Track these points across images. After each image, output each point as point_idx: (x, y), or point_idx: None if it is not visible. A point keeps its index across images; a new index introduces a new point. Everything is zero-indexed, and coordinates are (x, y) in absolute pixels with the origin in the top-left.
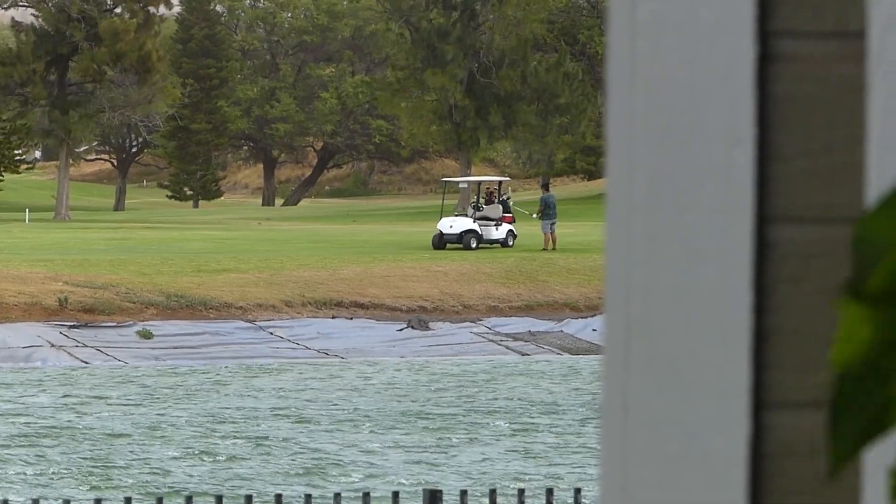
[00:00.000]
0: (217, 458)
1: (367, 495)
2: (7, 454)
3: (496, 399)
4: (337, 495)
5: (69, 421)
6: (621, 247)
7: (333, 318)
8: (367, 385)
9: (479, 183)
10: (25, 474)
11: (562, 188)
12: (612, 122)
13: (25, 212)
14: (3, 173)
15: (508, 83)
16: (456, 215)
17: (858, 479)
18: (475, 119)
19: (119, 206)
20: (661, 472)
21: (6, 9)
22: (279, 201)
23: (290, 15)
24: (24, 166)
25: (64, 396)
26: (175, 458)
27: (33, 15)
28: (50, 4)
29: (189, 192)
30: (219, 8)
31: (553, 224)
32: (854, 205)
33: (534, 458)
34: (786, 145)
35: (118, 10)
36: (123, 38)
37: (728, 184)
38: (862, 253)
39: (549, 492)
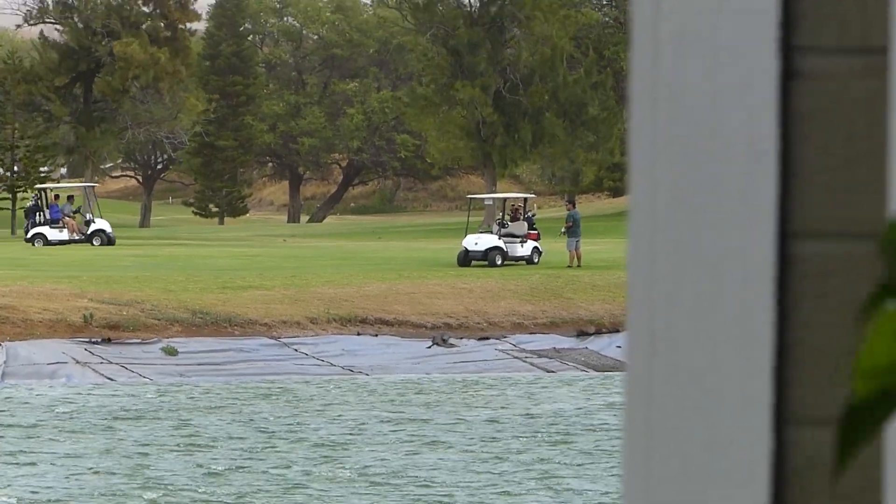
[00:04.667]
0: None
1: None
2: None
3: None
4: None
5: None
6: (644, 262)
7: (358, 334)
8: None
9: (505, 200)
10: None
11: (587, 205)
12: (636, 137)
13: None
14: (29, 190)
15: (537, 98)
16: (481, 232)
17: (880, 494)
18: (504, 136)
19: (144, 222)
20: (684, 487)
21: (32, 25)
22: (305, 218)
23: (320, 30)
24: (49, 182)
25: None
26: None
27: (57, 30)
28: (75, 20)
29: (215, 209)
30: (247, 25)
31: (577, 241)
32: (876, 220)
33: None
34: (808, 161)
35: (144, 26)
36: (133, 60)
37: (750, 199)
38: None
39: None
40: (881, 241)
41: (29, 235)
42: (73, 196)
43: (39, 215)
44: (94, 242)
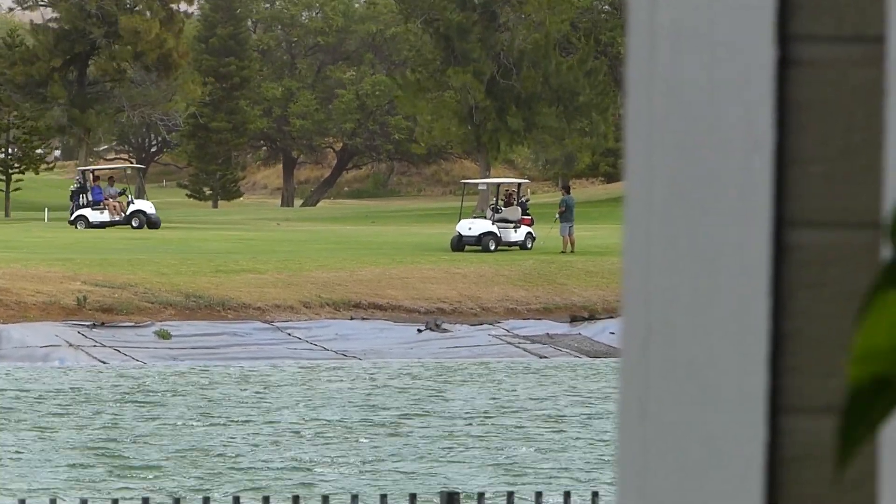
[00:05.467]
0: None
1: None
2: None
3: None
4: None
5: None
6: (640, 251)
7: (351, 319)
8: None
9: (499, 185)
10: None
11: (581, 191)
12: (632, 125)
13: (44, 211)
14: (24, 172)
15: (530, 84)
16: (475, 217)
17: (875, 483)
18: (496, 121)
19: None
20: (679, 477)
21: (25, 9)
22: (298, 202)
23: (306, 16)
24: (43, 166)
25: None
26: None
27: (52, 17)
28: (69, 2)
29: (208, 193)
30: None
31: (571, 227)
32: (873, 209)
33: None
34: (804, 149)
35: (138, 8)
36: (144, 37)
37: (746, 188)
38: None
39: (567, 495)
40: (891, 224)
41: (72, 218)
42: (113, 177)
43: (83, 197)
44: (133, 224)
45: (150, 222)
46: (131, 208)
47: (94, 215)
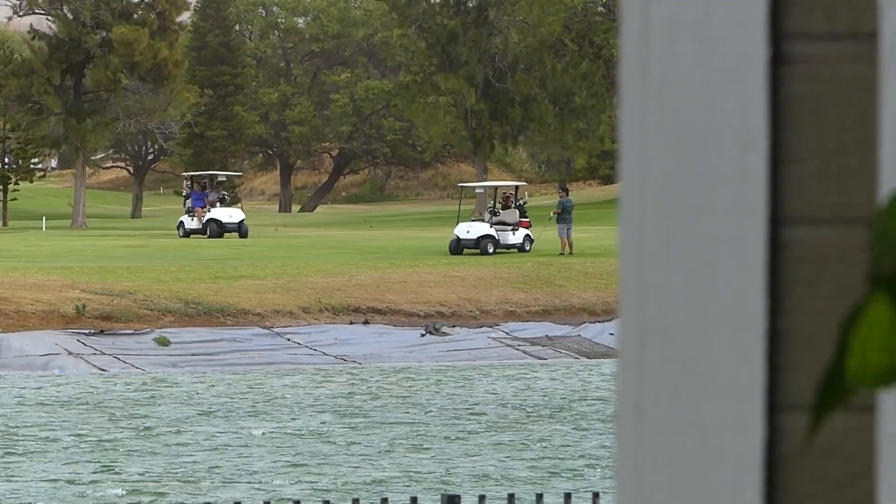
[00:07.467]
0: None
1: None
2: None
3: None
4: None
5: None
6: (635, 249)
7: (351, 323)
8: None
9: (496, 188)
10: None
11: (579, 193)
12: (625, 124)
13: (42, 220)
14: (19, 182)
15: (525, 86)
16: (473, 220)
17: (873, 481)
18: (491, 123)
19: (136, 213)
20: (676, 475)
21: (22, 16)
22: (296, 207)
23: (303, 21)
24: (38, 174)
25: None
26: None
27: (48, 21)
28: (65, 11)
29: None
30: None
31: (569, 228)
32: (867, 206)
33: None
34: (799, 147)
35: (135, 17)
36: (136, 47)
37: (741, 185)
38: (883, 243)
39: (568, 497)
40: (872, 228)
41: (177, 223)
42: (204, 184)
43: (187, 204)
44: (207, 233)
45: (227, 231)
46: (206, 217)
47: (188, 222)
